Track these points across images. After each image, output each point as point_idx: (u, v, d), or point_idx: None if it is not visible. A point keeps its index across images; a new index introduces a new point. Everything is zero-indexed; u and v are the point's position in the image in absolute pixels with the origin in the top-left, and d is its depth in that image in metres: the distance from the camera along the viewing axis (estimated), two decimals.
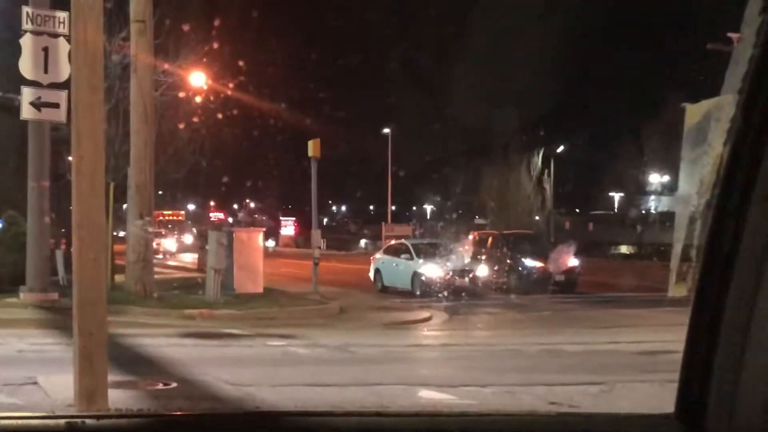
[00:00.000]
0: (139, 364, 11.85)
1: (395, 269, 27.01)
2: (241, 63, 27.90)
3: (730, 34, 17.05)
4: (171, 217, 63.75)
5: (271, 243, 64.13)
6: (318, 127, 44.89)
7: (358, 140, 66.46)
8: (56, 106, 16.83)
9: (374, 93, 73.71)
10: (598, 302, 24.44)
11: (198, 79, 24.75)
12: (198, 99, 25.03)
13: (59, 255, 23.57)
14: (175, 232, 61.35)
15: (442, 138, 59.69)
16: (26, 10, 16.63)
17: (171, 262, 42.66)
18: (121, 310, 17.67)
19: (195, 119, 26.67)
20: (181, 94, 24.64)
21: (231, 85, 27.68)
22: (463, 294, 24.38)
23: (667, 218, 48.03)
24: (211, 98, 25.72)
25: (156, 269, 22.55)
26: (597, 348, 14.80)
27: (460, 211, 59.98)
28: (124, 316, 17.13)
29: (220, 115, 27.87)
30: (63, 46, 16.51)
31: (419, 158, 62.10)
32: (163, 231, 55.52)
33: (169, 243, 56.15)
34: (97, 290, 5.65)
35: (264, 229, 25.32)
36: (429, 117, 60.28)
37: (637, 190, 59.17)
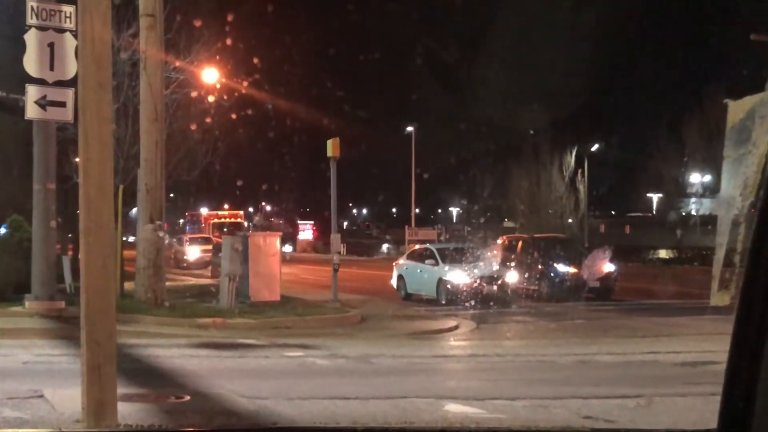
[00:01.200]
0: (149, 376, 11.89)
1: (419, 276, 27.00)
2: (255, 60, 28.02)
3: None
4: (228, 219, 55.71)
5: (288, 248, 64.29)
6: (337, 127, 44.98)
7: (380, 140, 66.56)
8: (62, 104, 16.97)
9: (396, 91, 73.81)
10: (636, 310, 24.32)
11: (210, 76, 24.88)
12: (210, 98, 25.15)
13: (66, 261, 23.72)
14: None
15: (469, 137, 59.63)
16: (31, 3, 16.75)
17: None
18: (131, 319, 17.75)
19: (207, 119, 26.80)
20: (193, 93, 24.76)
21: (245, 84, 27.81)
22: (492, 302, 24.32)
23: (709, 221, 47.74)
24: (225, 97, 25.85)
25: (168, 275, 22.67)
26: (634, 359, 14.72)
27: (488, 214, 59.88)
28: (134, 326, 17.21)
29: (233, 115, 28.00)
30: (69, 42, 16.63)
31: (444, 159, 62.07)
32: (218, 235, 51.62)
33: None
34: (105, 298, 5.69)
35: (281, 234, 25.34)
36: (454, 115, 60.16)
37: (677, 191, 58.82)
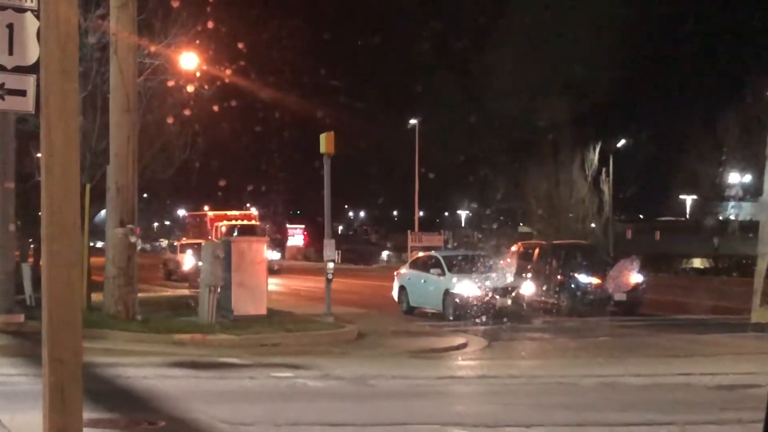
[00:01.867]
0: (119, 399, 11.89)
1: (423, 287, 27.01)
2: (240, 44, 27.99)
3: None
4: (239, 220, 51.52)
5: (276, 255, 64.25)
6: (332, 121, 44.92)
7: (381, 135, 66.54)
8: (22, 93, 16.95)
9: (399, 80, 73.80)
10: (667, 326, 24.32)
11: (189, 61, 24.87)
12: (190, 87, 25.15)
13: (26, 269, 23.75)
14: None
15: (480, 133, 59.63)
16: None
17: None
18: (99, 334, 17.76)
19: (186, 110, 26.80)
20: (170, 81, 24.76)
21: (228, 71, 27.80)
22: (505, 317, 24.31)
23: (749, 228, 47.74)
24: (205, 86, 25.82)
25: (141, 286, 22.68)
26: (665, 381, 14.73)
27: (501, 218, 59.93)
28: (103, 342, 17.21)
29: (215, 106, 27.99)
30: (31, 23, 16.62)
31: (452, 157, 62.04)
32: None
33: None
34: (70, 311, 5.68)
35: (268, 239, 25.36)
36: (464, 108, 60.09)
37: (713, 193, 58.85)
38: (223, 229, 48.29)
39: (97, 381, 12.65)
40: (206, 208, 57.81)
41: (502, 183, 60.48)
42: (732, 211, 58.35)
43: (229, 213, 53.21)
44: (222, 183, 52.44)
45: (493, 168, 59.69)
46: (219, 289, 20.63)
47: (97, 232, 38.26)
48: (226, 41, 26.87)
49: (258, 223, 53.41)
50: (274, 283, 28.67)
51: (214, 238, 46.25)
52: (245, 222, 51.30)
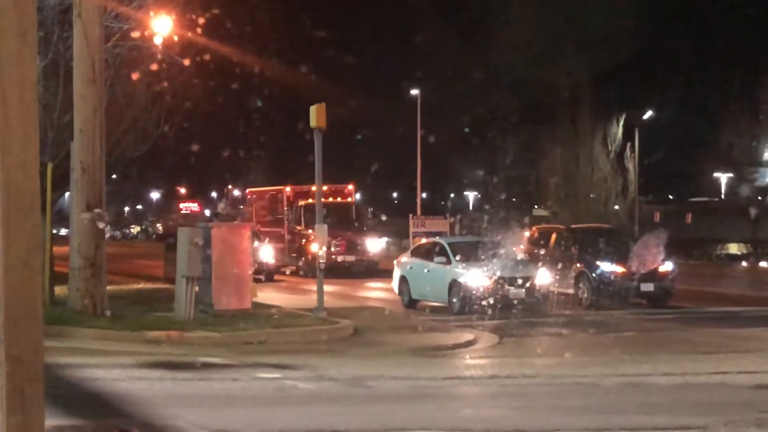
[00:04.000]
0: (86, 403, 11.91)
1: (427, 277, 27.02)
2: (220, 4, 27.85)
3: None
4: (333, 199, 42.50)
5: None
6: (322, 85, 44.70)
7: (376, 101, 66.09)
8: None
9: (396, 34, 73.33)
10: (700, 319, 24.35)
11: (163, 25, 24.79)
12: (161, 56, 25.06)
13: None
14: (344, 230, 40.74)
15: (488, 95, 59.18)
16: None
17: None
18: (63, 332, 17.77)
19: (160, 81, 26.72)
20: (141, 46, 24.68)
21: (207, 36, 27.68)
22: (518, 310, 24.33)
23: None
24: (181, 51, 25.74)
25: (111, 278, 22.66)
26: (697, 380, 14.75)
27: (514, 200, 59.84)
28: (68, 341, 17.22)
29: (195, 79, 27.93)
30: None
31: (457, 123, 61.63)
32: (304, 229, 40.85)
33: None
34: (30, 305, 5.68)
35: (252, 225, 25.35)
36: (470, 67, 59.79)
37: (752, 170, 58.73)
38: (298, 208, 42.17)
39: (61, 383, 12.66)
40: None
41: (512, 147, 59.81)
42: None
43: (314, 188, 43.28)
44: (200, 162, 52.04)
45: (503, 131, 58.98)
46: (198, 281, 20.64)
47: (61, 218, 38.28)
48: (204, 1, 26.75)
49: (354, 201, 45.76)
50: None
51: (298, 224, 41.99)
52: (338, 199, 43.57)
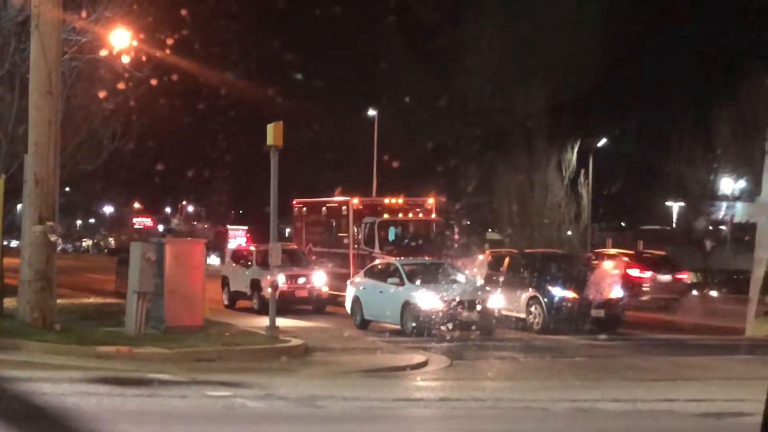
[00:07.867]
0: (34, 419, 11.76)
1: (380, 298, 26.98)
2: (181, 14, 27.68)
3: None
4: (405, 213, 35.94)
5: (214, 260, 64.00)
6: (284, 103, 44.65)
7: (336, 121, 66.15)
8: None
9: (359, 57, 73.59)
10: (649, 346, 24.49)
11: (120, 38, 24.69)
12: (122, 62, 24.93)
13: None
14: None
15: (448, 120, 59.37)
16: None
17: None
18: (12, 345, 17.61)
19: (116, 95, 26.61)
20: (99, 58, 24.58)
21: (165, 50, 27.57)
22: (471, 332, 24.36)
23: (745, 232, 48.19)
24: (142, 60, 25.61)
25: (62, 291, 22.48)
26: (646, 407, 14.80)
27: (468, 223, 59.95)
28: (15, 354, 17.07)
29: (150, 90, 27.79)
30: None
31: (418, 146, 61.77)
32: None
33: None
34: None
35: (206, 241, 25.21)
36: (431, 93, 60.00)
37: (704, 198, 59.20)
38: (371, 225, 34.63)
39: (6, 398, 12.52)
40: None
41: (474, 174, 59.98)
42: (726, 212, 58.52)
43: (387, 201, 36.77)
44: (155, 177, 51.80)
45: (461, 165, 59.34)
46: (149, 297, 20.52)
47: (13, 229, 37.96)
48: (163, 15, 26.67)
49: (438, 219, 36.92)
50: (212, 291, 28.50)
51: (368, 245, 34.35)
52: (419, 218, 36.17)
